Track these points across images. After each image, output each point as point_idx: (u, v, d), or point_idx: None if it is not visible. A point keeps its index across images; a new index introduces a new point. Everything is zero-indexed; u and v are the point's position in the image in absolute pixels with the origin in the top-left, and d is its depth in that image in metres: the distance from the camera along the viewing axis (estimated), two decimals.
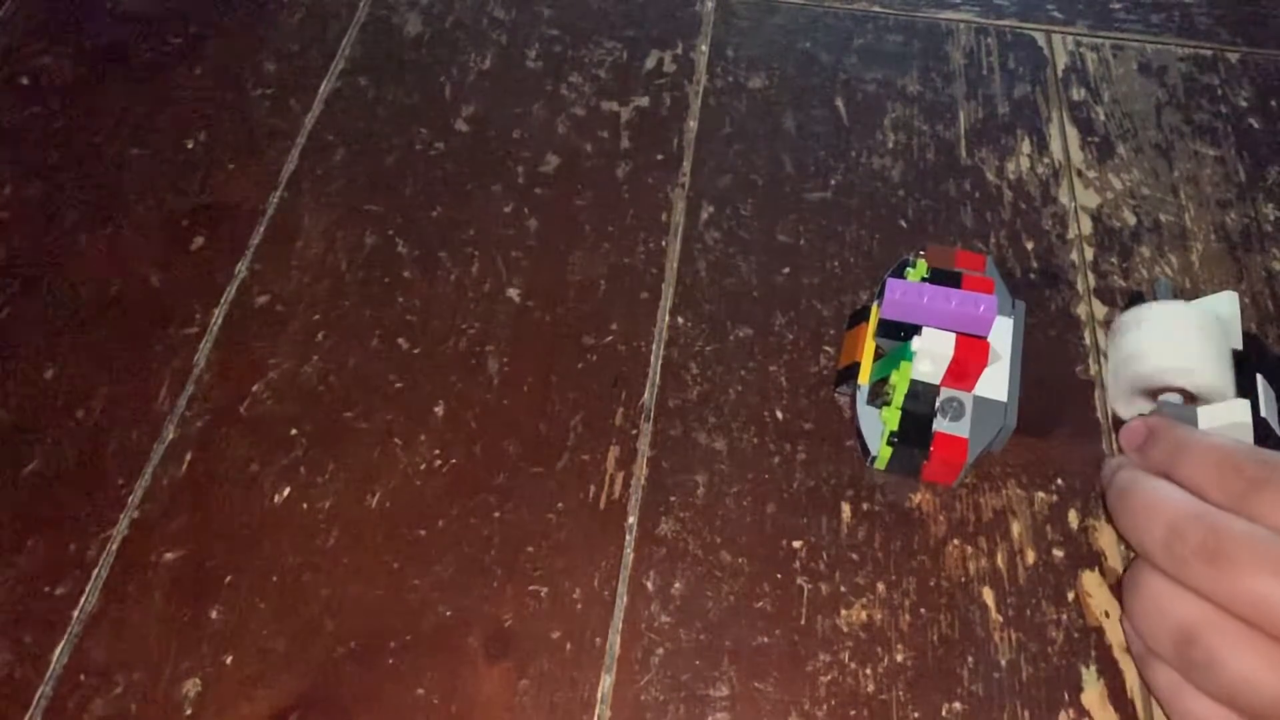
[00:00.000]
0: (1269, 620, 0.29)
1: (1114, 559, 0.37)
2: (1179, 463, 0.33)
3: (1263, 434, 0.36)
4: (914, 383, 0.38)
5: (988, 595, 0.37)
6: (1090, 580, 0.37)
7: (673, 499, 0.38)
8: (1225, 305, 0.39)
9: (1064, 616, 0.36)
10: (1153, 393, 0.38)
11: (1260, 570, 0.29)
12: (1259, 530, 0.30)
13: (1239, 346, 0.39)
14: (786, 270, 0.45)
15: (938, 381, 0.38)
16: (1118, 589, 0.37)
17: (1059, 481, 0.39)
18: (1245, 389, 0.37)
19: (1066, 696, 0.34)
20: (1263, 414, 0.37)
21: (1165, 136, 0.51)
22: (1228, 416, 0.36)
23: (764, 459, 0.40)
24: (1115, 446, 0.40)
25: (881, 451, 0.38)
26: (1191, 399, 0.38)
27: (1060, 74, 0.53)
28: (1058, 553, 0.38)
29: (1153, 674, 0.32)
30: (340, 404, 0.41)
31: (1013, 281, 0.45)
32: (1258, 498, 0.30)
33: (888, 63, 0.54)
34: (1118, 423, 0.40)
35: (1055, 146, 0.50)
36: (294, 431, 0.40)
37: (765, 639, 0.35)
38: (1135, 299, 0.43)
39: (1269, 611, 0.29)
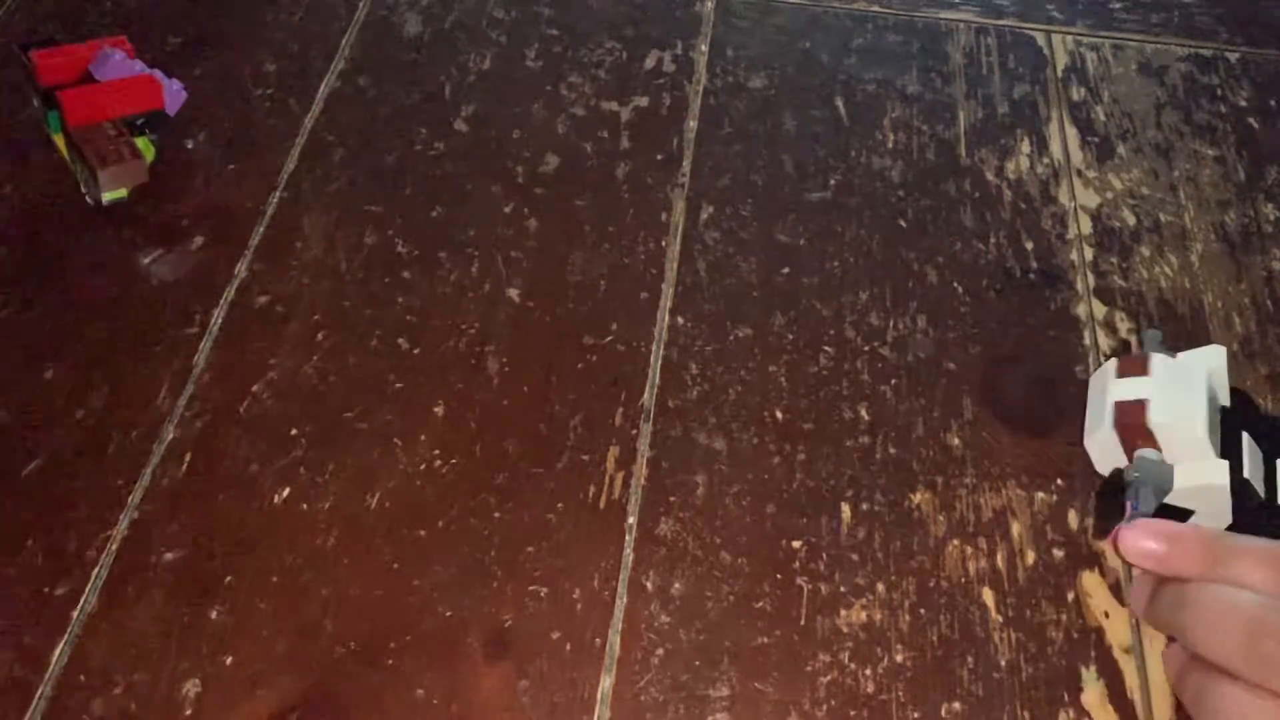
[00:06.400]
0: None
1: (1113, 559, 0.37)
2: (1229, 565, 0.31)
3: (1242, 496, 0.35)
4: None
5: (988, 595, 0.37)
6: (1090, 580, 0.37)
7: (672, 499, 0.38)
8: (1213, 360, 0.38)
9: (1064, 617, 0.36)
10: (1131, 445, 0.37)
11: None
12: None
13: (1225, 403, 0.38)
14: (786, 270, 0.45)
15: None
16: (1117, 589, 0.37)
17: (1059, 482, 0.39)
18: (1229, 448, 0.36)
19: (1066, 697, 0.34)
20: (1246, 475, 0.35)
21: (1165, 136, 0.51)
22: (1205, 477, 0.35)
23: (764, 459, 0.40)
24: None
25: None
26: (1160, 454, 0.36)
27: (1060, 74, 0.53)
28: (1057, 553, 0.38)
29: None
30: (340, 404, 0.41)
31: (1013, 281, 0.45)
32: None
33: (887, 63, 0.54)
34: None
35: (1055, 146, 0.50)
36: (294, 431, 0.40)
37: (765, 639, 0.35)
38: (1124, 349, 0.42)
39: None
